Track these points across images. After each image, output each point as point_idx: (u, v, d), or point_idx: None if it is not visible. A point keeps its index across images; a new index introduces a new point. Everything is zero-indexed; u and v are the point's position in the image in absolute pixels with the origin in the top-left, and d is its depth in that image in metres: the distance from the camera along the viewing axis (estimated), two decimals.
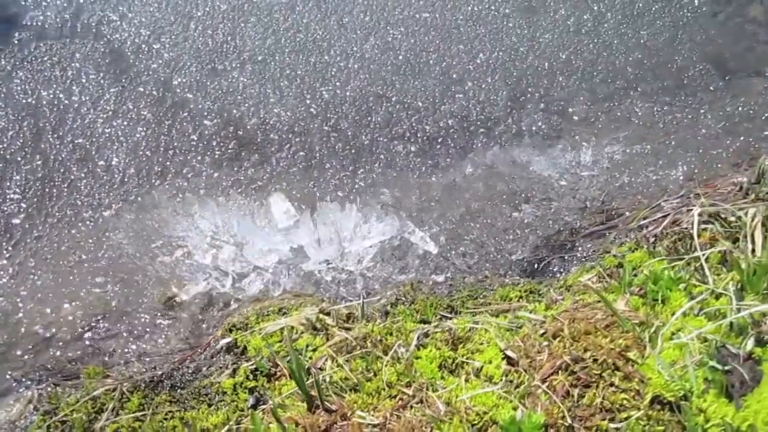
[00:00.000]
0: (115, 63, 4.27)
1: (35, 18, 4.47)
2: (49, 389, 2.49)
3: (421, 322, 2.53)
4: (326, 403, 1.97)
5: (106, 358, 2.91)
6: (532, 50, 4.53)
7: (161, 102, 4.08)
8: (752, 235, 2.39)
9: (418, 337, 2.26)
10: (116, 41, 4.41)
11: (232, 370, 2.38)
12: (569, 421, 1.76)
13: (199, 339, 2.97)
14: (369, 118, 4.10)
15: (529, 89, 4.30)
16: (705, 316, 2.05)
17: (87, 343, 2.99)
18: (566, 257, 3.30)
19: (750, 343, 1.84)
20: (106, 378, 2.54)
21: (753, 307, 1.94)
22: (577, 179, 3.83)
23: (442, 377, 2.08)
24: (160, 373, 2.48)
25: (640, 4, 4.81)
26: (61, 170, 3.69)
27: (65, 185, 3.62)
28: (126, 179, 3.69)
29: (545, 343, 2.07)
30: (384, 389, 2.02)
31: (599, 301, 2.20)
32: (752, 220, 2.44)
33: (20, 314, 3.07)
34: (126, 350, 2.96)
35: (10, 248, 3.34)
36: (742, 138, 3.86)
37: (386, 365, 2.12)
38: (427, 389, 1.98)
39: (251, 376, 2.30)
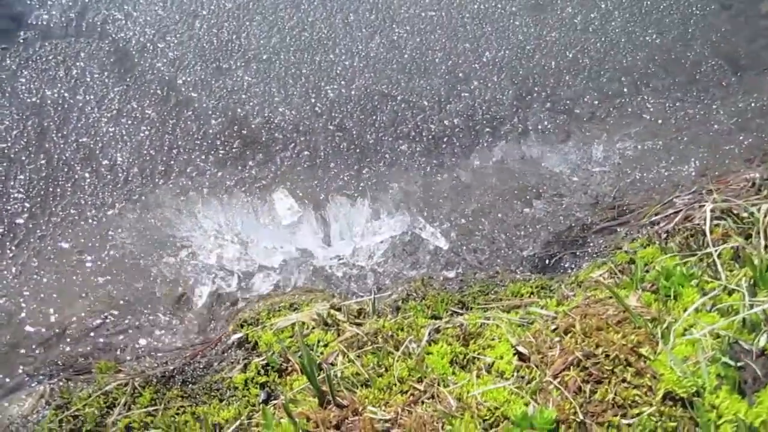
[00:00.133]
0: (120, 62, 4.26)
1: (40, 17, 4.47)
2: (61, 384, 2.49)
3: (432, 317, 2.52)
4: (338, 398, 1.96)
5: (117, 354, 2.90)
6: (539, 49, 4.50)
7: (166, 101, 4.07)
8: (765, 231, 2.35)
9: (429, 333, 2.25)
10: (121, 40, 4.40)
11: (243, 366, 2.37)
12: (581, 416, 1.75)
13: (206, 336, 2.96)
14: (374, 117, 4.07)
15: (536, 88, 4.27)
16: (717, 313, 2.03)
17: (94, 342, 2.96)
18: (578, 253, 3.27)
19: (763, 340, 1.82)
20: (118, 373, 2.54)
21: (766, 303, 1.91)
22: (589, 175, 3.80)
23: (454, 373, 2.06)
24: (171, 368, 2.49)
25: (648, 2, 4.77)
26: (65, 169, 3.67)
27: (69, 184, 3.61)
28: (130, 178, 3.68)
29: (557, 338, 2.06)
30: (395, 385, 2.01)
31: (611, 297, 2.19)
32: (765, 216, 2.40)
33: (23, 314, 3.05)
34: (132, 349, 2.94)
35: (13, 248, 3.32)
36: (754, 134, 3.82)
37: (397, 361, 2.11)
38: (439, 385, 1.97)
39: (262, 372, 2.29)
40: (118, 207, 3.54)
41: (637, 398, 1.78)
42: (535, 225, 3.53)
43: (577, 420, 1.74)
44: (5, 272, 3.22)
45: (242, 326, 2.66)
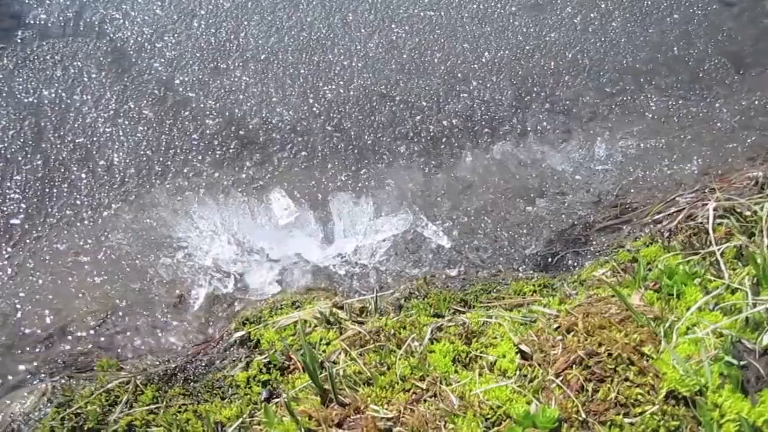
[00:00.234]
0: (118, 62, 4.25)
1: (38, 16, 4.46)
2: (63, 382, 2.49)
3: (434, 316, 2.52)
4: (340, 396, 1.96)
5: (117, 352, 2.89)
6: (539, 49, 4.48)
7: (163, 101, 4.05)
8: None
9: (431, 331, 2.25)
10: (119, 40, 4.39)
11: (245, 364, 2.37)
12: (583, 415, 1.75)
13: (208, 335, 2.97)
14: (372, 118, 4.05)
15: (535, 88, 4.25)
16: (720, 311, 2.04)
17: (92, 342, 2.95)
18: (580, 251, 3.28)
19: (766, 338, 1.81)
20: (120, 371, 2.55)
21: None
22: (591, 173, 3.79)
23: (456, 371, 2.06)
24: (173, 366, 2.49)
25: (649, 2, 4.76)
26: (62, 170, 3.65)
27: (65, 185, 3.59)
28: (126, 179, 3.66)
29: (559, 337, 2.06)
30: (397, 383, 2.01)
31: (613, 296, 2.19)
32: None
33: (19, 314, 3.03)
34: (131, 348, 2.92)
35: (9, 248, 3.30)
36: (757, 132, 3.83)
37: (400, 359, 2.10)
38: (441, 383, 1.97)
39: (264, 370, 2.29)
40: (114, 208, 3.51)
41: (639, 397, 1.77)
42: (537, 223, 3.52)
43: (580, 419, 1.74)
44: (1, 273, 3.20)
45: (244, 324, 2.66)
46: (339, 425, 1.89)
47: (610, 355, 1.89)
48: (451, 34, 4.56)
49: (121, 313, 3.07)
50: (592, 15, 4.67)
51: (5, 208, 3.46)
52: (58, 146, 3.76)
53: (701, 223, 2.67)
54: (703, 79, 4.31)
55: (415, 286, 2.88)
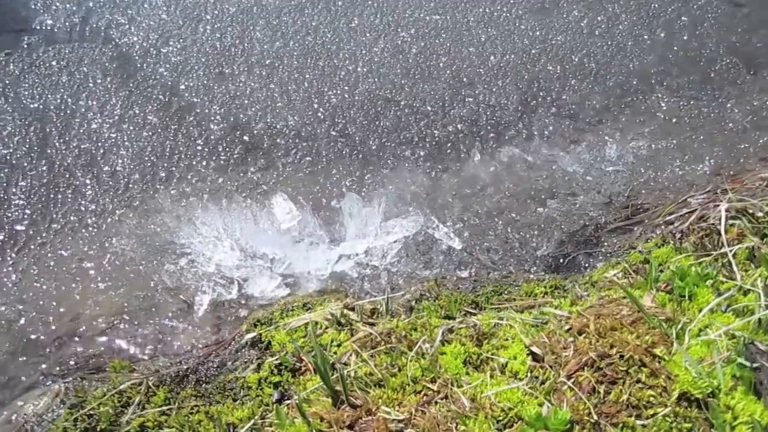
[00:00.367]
0: (123, 67, 4.25)
1: (44, 22, 4.47)
2: (75, 383, 2.51)
3: (445, 317, 2.53)
4: (351, 398, 1.96)
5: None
6: (545, 53, 4.45)
7: (168, 106, 4.05)
8: None
9: (442, 333, 2.25)
10: (124, 45, 4.40)
11: (256, 365, 2.39)
12: (595, 417, 1.75)
13: (219, 337, 2.97)
14: (377, 123, 4.04)
15: (541, 92, 4.22)
16: (733, 313, 2.04)
17: (98, 348, 2.96)
18: (591, 253, 3.27)
19: None
20: (132, 372, 2.57)
21: None
22: (602, 174, 3.77)
23: (467, 373, 2.06)
24: (185, 367, 2.50)
25: (656, 5, 4.71)
26: (66, 176, 3.66)
27: (70, 191, 3.60)
28: (131, 185, 3.66)
29: (571, 339, 2.06)
30: (409, 385, 2.01)
31: (625, 297, 2.19)
32: None
33: (23, 320, 3.04)
34: (135, 356, 2.93)
35: (14, 255, 3.32)
36: None
37: (411, 361, 2.11)
38: (452, 385, 1.97)
39: (276, 371, 2.30)
40: (119, 213, 3.52)
41: (651, 399, 1.78)
42: (548, 224, 3.51)
43: (591, 421, 1.74)
44: (6, 279, 3.21)
45: (255, 326, 2.68)
46: (350, 427, 1.89)
47: (621, 356, 1.90)
48: (457, 38, 4.54)
49: (126, 318, 3.07)
50: (599, 18, 4.63)
51: (10, 214, 3.47)
52: (63, 152, 3.77)
53: (713, 224, 2.67)
54: (715, 80, 4.30)
55: (426, 287, 2.89)
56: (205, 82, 4.21)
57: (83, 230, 3.44)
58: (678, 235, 2.79)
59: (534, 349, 2.05)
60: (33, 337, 2.97)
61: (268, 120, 4.03)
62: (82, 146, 3.81)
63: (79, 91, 4.09)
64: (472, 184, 3.74)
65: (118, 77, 4.19)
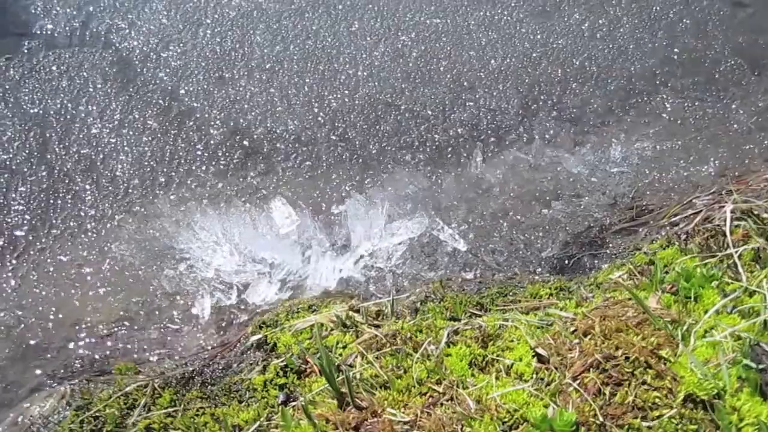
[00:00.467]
0: (123, 72, 4.25)
1: (45, 26, 4.48)
2: (81, 385, 2.51)
3: (450, 319, 2.52)
4: (357, 400, 1.96)
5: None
6: (546, 56, 4.44)
7: (167, 111, 4.05)
8: None
9: (447, 335, 2.25)
10: (124, 50, 4.39)
11: (262, 367, 2.38)
12: (601, 419, 1.74)
13: (225, 338, 2.96)
14: (377, 127, 4.03)
15: (542, 96, 4.20)
16: (738, 314, 2.04)
17: (99, 354, 2.96)
18: (596, 254, 3.26)
19: None
20: (138, 374, 2.57)
21: None
22: (607, 176, 3.78)
23: (473, 375, 2.06)
24: (191, 369, 2.50)
25: (658, 8, 4.70)
26: (66, 181, 3.66)
27: (69, 196, 3.59)
28: (130, 190, 3.66)
29: (576, 340, 2.06)
30: (414, 386, 2.01)
31: (630, 299, 2.19)
32: None
33: (22, 326, 3.04)
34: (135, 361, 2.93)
35: (13, 260, 3.31)
36: None
37: (416, 362, 2.11)
38: (458, 387, 1.97)
39: (281, 373, 2.29)
40: (118, 219, 3.51)
41: (657, 401, 1.77)
42: (553, 226, 3.51)
43: (597, 422, 1.74)
44: (5, 285, 3.21)
45: (261, 328, 2.67)
46: (356, 428, 1.89)
47: (627, 358, 1.90)
48: (458, 41, 4.53)
49: (126, 324, 3.07)
50: (600, 21, 4.62)
51: (10, 220, 3.47)
52: (63, 157, 3.77)
53: (718, 225, 2.66)
54: (719, 81, 4.29)
55: (431, 289, 2.89)
56: (205, 86, 4.21)
57: (82, 235, 3.43)
58: (683, 237, 2.79)
59: (539, 350, 2.06)
60: (33, 342, 2.97)
61: (268, 124, 4.02)
62: (82, 151, 3.81)
63: (79, 96, 4.09)
64: (476, 186, 3.73)
65: (118, 82, 4.19)
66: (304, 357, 2.31)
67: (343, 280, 3.30)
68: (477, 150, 3.90)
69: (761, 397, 1.72)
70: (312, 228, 3.49)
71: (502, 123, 4.06)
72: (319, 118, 4.07)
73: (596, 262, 3.22)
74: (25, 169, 3.69)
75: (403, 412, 1.89)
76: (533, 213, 3.59)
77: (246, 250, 3.39)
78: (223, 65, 4.34)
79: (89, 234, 3.44)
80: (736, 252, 2.35)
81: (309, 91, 4.21)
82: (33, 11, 4.55)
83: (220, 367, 2.51)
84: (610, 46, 4.48)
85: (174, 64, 4.32)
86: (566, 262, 3.30)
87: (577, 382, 1.87)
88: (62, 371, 2.84)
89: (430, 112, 4.11)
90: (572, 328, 2.13)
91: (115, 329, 3.04)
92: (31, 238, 3.40)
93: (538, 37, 4.55)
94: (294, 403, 2.13)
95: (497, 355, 2.11)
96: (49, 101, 4.04)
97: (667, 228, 3.04)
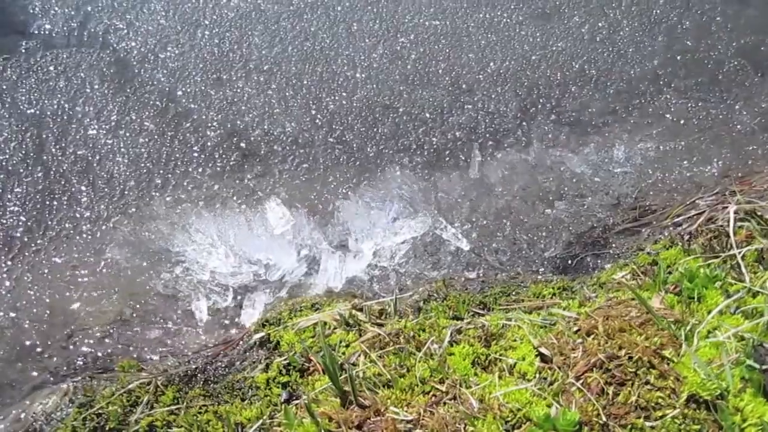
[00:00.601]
0: (120, 73, 4.24)
1: (42, 26, 4.46)
2: (84, 382, 2.51)
3: (453, 318, 2.53)
4: (360, 398, 1.96)
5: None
6: (545, 59, 4.42)
7: (164, 112, 4.03)
8: None
9: (450, 334, 2.25)
10: (122, 50, 4.38)
11: (265, 365, 2.38)
12: (604, 419, 1.75)
13: (228, 336, 2.96)
14: (375, 130, 4.01)
15: (541, 99, 4.19)
16: (742, 315, 2.05)
17: (88, 359, 2.95)
18: (599, 254, 3.27)
19: None
20: (141, 371, 2.57)
21: None
22: (610, 176, 3.78)
23: (476, 374, 2.06)
24: (194, 367, 2.51)
25: (658, 11, 4.68)
26: (62, 182, 3.65)
27: (65, 197, 3.59)
28: (126, 191, 3.65)
29: (579, 340, 2.06)
30: (417, 385, 2.02)
31: (633, 299, 2.19)
32: None
33: (16, 328, 3.03)
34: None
35: (8, 262, 3.30)
36: None
37: (419, 361, 2.11)
38: (461, 386, 1.97)
39: (284, 371, 2.29)
40: (114, 220, 3.51)
41: (660, 401, 1.78)
42: (556, 226, 3.51)
43: (600, 422, 1.74)
44: None
45: (264, 326, 2.67)
46: (359, 427, 1.90)
47: (630, 358, 1.90)
48: (457, 43, 4.51)
49: (123, 325, 3.07)
50: (599, 24, 4.60)
51: (5, 221, 3.46)
52: (59, 158, 3.75)
53: (722, 225, 2.67)
54: (722, 82, 4.29)
55: (434, 288, 2.89)
56: (203, 88, 4.19)
57: (78, 237, 3.42)
58: (686, 237, 2.80)
59: (542, 350, 2.06)
60: (28, 343, 2.96)
61: (266, 126, 4.01)
62: (78, 152, 3.80)
63: (76, 97, 4.08)
64: (479, 186, 3.72)
65: (115, 83, 4.18)
66: (307, 355, 2.31)
67: (346, 279, 3.31)
68: (477, 152, 3.89)
69: (764, 398, 1.73)
70: (308, 229, 3.48)
71: (500, 126, 4.04)
72: (317, 120, 4.05)
73: (599, 262, 3.23)
74: (21, 170, 3.68)
75: (406, 411, 1.90)
76: (536, 213, 3.60)
77: (241, 251, 3.38)
78: (221, 66, 4.32)
79: (85, 236, 3.43)
80: (740, 253, 2.36)
81: (307, 93, 4.20)
82: (31, 11, 4.53)
83: (223, 365, 2.52)
84: (610, 49, 4.46)
85: (172, 65, 4.30)
86: (569, 261, 3.31)
87: (580, 381, 1.88)
88: (65, 368, 2.85)
89: (428, 115, 4.10)
90: (575, 328, 2.14)
91: (112, 330, 3.04)
92: (26, 239, 3.39)
93: (538, 39, 4.53)
94: (297, 402, 2.14)
95: (500, 355, 2.12)
96: (46, 102, 4.03)
97: (671, 228, 3.06)
